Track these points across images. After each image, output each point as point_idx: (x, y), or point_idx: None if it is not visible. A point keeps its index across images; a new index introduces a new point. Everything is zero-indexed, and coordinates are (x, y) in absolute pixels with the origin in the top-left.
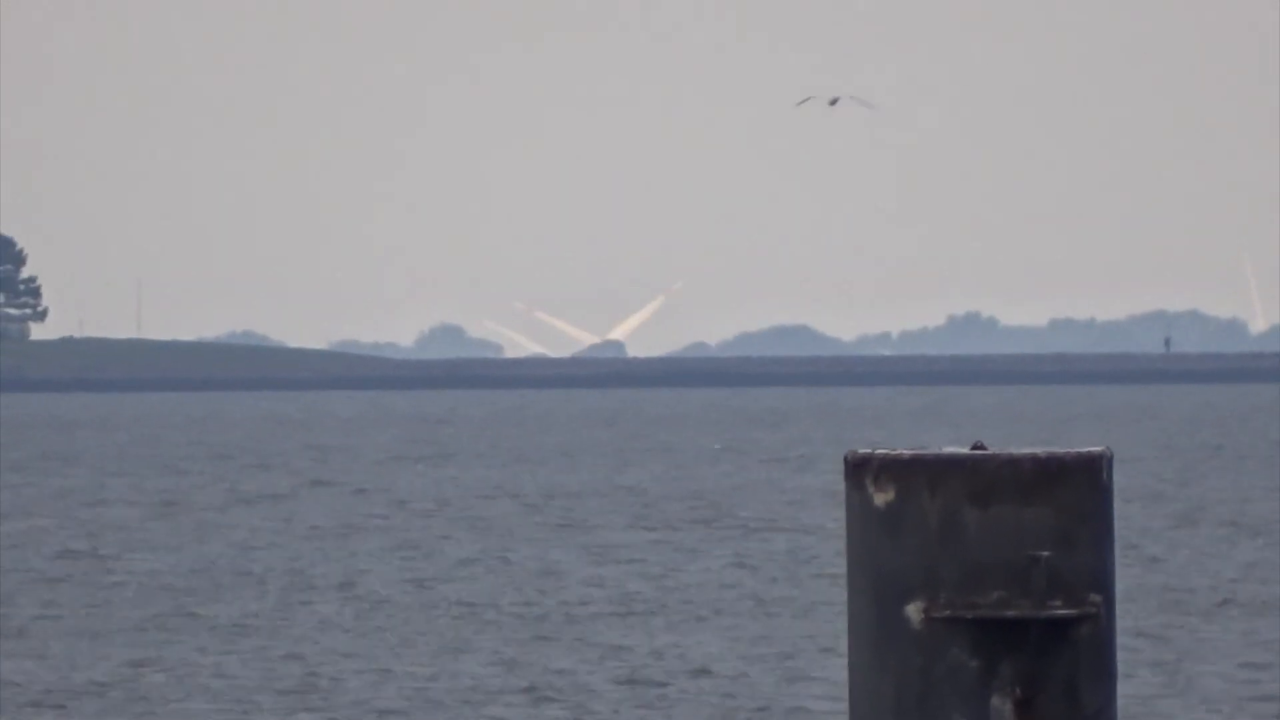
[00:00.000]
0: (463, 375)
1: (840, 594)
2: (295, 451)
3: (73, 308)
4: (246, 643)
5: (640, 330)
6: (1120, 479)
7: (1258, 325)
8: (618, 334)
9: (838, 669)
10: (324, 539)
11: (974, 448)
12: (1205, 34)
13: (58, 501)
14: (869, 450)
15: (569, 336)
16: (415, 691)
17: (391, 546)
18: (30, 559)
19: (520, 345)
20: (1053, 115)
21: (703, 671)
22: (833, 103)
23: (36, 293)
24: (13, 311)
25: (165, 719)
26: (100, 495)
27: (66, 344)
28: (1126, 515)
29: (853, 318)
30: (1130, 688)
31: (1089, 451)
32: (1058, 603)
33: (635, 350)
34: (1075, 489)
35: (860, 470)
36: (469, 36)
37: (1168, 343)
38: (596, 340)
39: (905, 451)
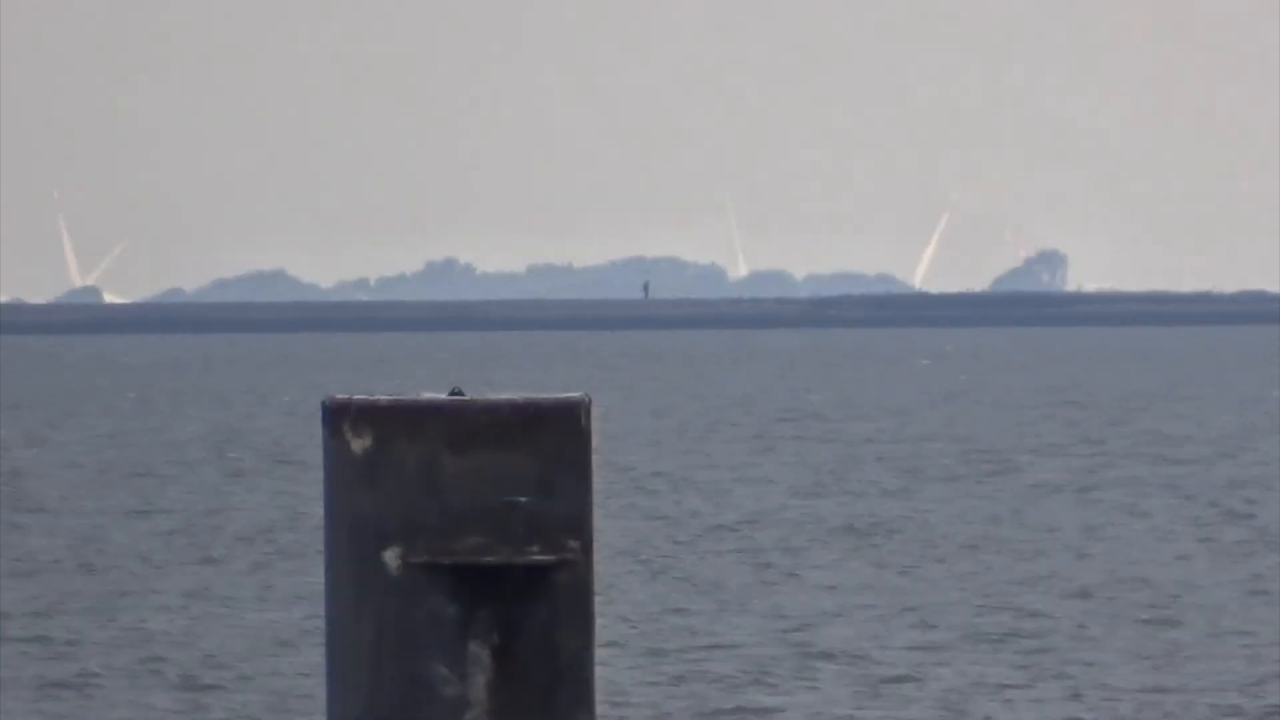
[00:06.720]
0: None
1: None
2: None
3: None
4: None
5: (112, 275)
6: (605, 425)
7: (738, 271)
8: (93, 279)
9: None
10: None
11: (452, 393)
12: None
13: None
14: (347, 396)
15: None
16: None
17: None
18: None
19: None
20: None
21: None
22: None
23: None
24: None
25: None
26: None
27: None
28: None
29: (330, 263)
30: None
31: (568, 398)
32: (536, 549)
33: (111, 296)
34: (554, 435)
35: (338, 416)
36: None
37: (646, 288)
38: (77, 285)
39: (383, 398)
